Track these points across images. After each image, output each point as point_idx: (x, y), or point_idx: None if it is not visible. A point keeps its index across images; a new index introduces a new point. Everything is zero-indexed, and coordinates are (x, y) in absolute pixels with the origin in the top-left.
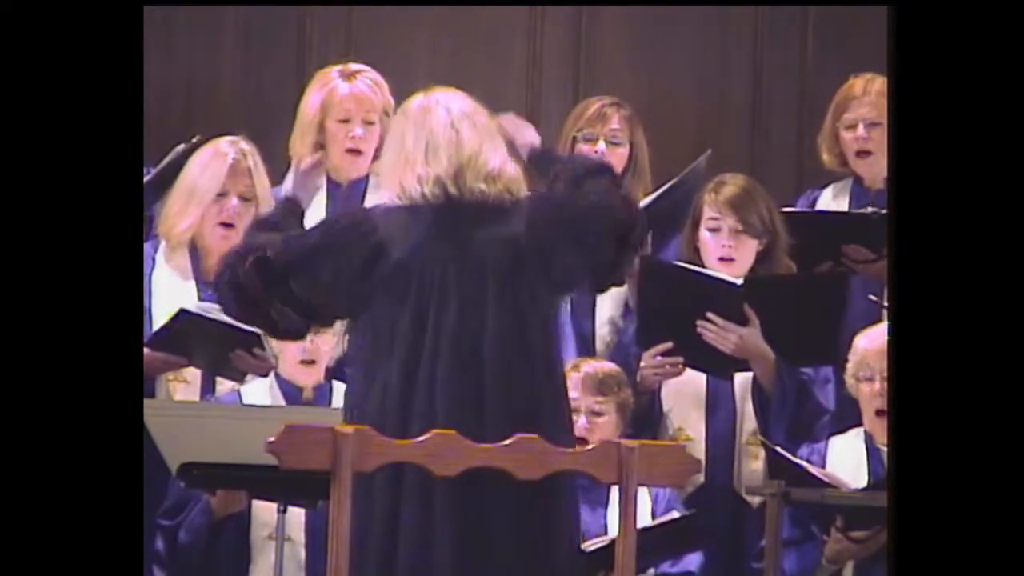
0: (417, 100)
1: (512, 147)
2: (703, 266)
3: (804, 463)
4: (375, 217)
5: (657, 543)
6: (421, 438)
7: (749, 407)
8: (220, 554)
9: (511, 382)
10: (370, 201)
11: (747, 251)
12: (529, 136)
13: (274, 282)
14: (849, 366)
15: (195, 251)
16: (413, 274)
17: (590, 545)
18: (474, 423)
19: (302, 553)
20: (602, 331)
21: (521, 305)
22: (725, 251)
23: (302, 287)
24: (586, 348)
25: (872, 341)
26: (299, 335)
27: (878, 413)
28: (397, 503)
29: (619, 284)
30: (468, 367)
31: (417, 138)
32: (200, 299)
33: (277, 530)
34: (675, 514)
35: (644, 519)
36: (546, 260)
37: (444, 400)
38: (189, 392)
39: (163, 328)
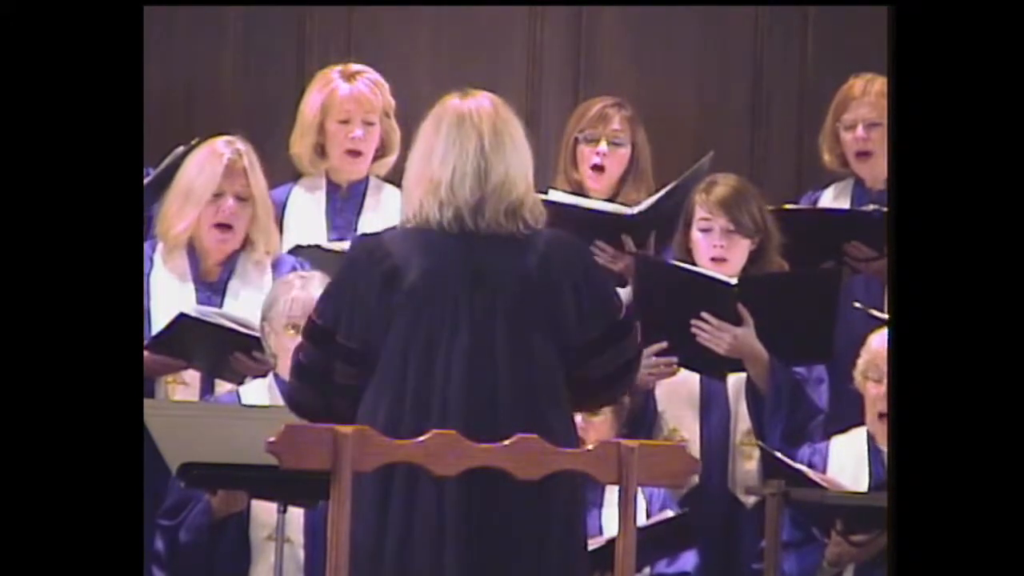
0: (452, 105)
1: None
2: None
3: (801, 467)
4: (388, 242)
5: (651, 542)
6: (421, 438)
7: (743, 407)
8: (220, 554)
9: (520, 406)
10: (371, 201)
11: (739, 251)
12: None
13: (327, 343)
14: (860, 363)
15: (193, 252)
16: (425, 298)
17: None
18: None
19: (301, 554)
20: None
21: (530, 336)
22: (717, 251)
23: (347, 336)
24: None
25: (885, 342)
26: (358, 390)
27: (881, 416)
28: (397, 502)
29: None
30: (478, 392)
31: (445, 158)
32: (198, 301)
33: (277, 531)
34: (669, 513)
35: (640, 519)
36: (553, 300)
37: (454, 424)
38: (188, 394)
39: (162, 331)
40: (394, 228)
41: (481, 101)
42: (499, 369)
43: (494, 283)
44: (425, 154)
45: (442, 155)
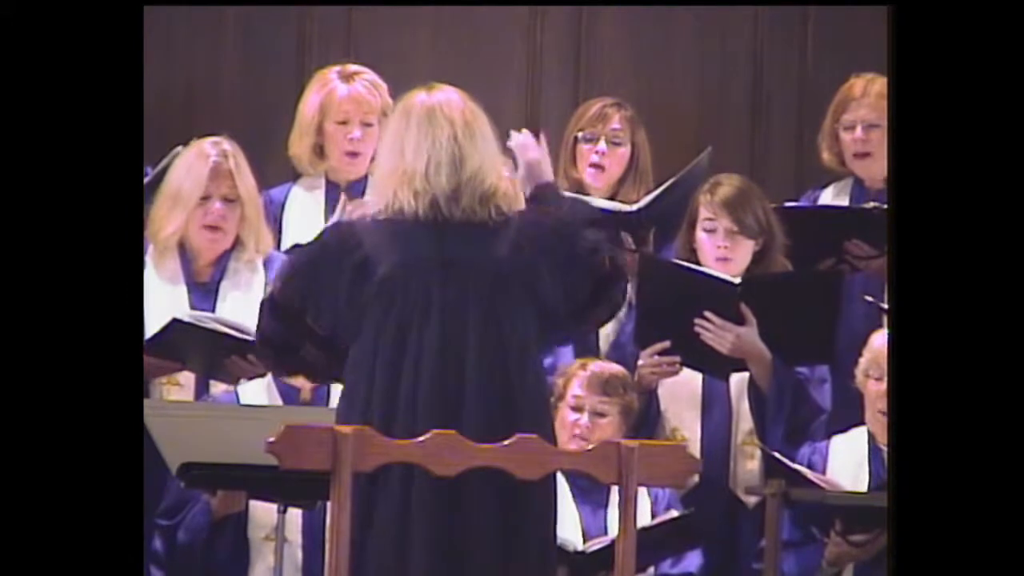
0: (419, 99)
1: (514, 162)
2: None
3: (801, 468)
4: (360, 232)
5: (656, 542)
6: (421, 438)
7: (744, 407)
8: (218, 555)
9: (491, 396)
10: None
11: (743, 251)
12: (534, 159)
13: (292, 322)
14: (861, 361)
15: (184, 253)
16: (397, 289)
17: (591, 545)
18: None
19: (299, 554)
20: (605, 330)
21: (502, 325)
22: (721, 252)
23: (314, 320)
24: (587, 347)
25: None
26: (330, 376)
27: (881, 412)
28: (377, 502)
29: (594, 328)
30: (449, 382)
31: (419, 149)
32: (191, 303)
33: (277, 531)
34: (674, 513)
35: (644, 519)
36: (528, 285)
37: (424, 414)
38: (183, 395)
39: (156, 336)
40: (367, 218)
41: (448, 94)
42: (469, 365)
43: (466, 272)
44: (396, 147)
45: (415, 146)
